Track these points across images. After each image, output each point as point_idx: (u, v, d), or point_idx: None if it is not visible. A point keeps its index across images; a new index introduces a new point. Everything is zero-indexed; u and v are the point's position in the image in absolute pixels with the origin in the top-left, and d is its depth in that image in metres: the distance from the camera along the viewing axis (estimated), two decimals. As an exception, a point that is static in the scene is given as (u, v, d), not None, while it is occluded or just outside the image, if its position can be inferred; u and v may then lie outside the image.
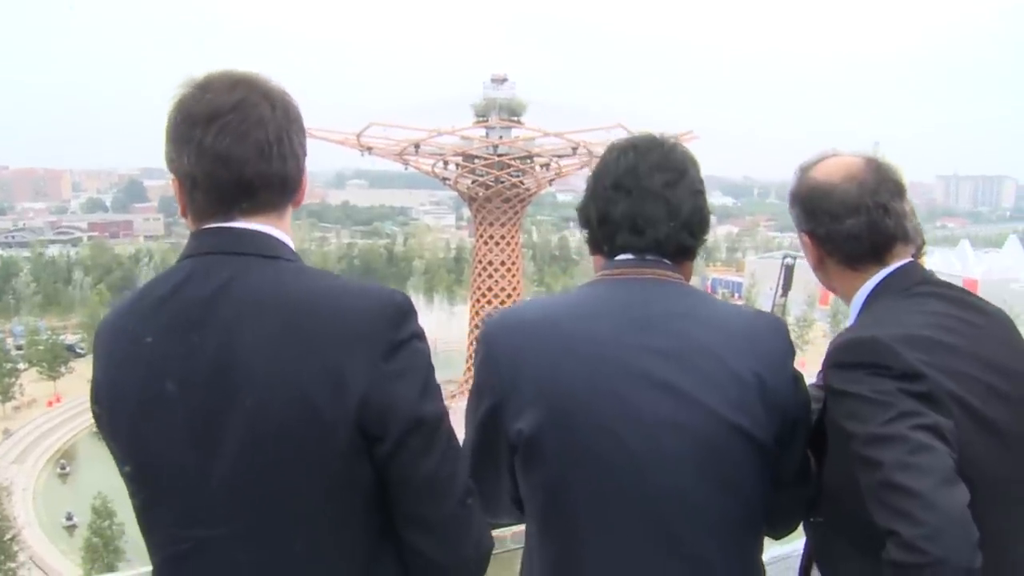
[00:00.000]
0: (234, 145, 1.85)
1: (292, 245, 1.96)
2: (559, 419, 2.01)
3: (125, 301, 1.97)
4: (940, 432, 1.87)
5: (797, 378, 2.13)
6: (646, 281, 2.13)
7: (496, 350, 2.12)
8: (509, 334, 2.13)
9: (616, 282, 2.15)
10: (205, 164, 1.87)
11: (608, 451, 1.99)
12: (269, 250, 1.89)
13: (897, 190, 2.29)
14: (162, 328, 1.83)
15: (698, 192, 2.22)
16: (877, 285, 2.26)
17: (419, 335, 1.88)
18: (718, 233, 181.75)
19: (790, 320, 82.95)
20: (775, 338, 2.12)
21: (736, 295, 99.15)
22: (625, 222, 2.15)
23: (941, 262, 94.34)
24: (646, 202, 2.14)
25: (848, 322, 2.32)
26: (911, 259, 2.29)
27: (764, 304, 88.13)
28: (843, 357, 2.06)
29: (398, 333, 1.82)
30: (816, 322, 76.74)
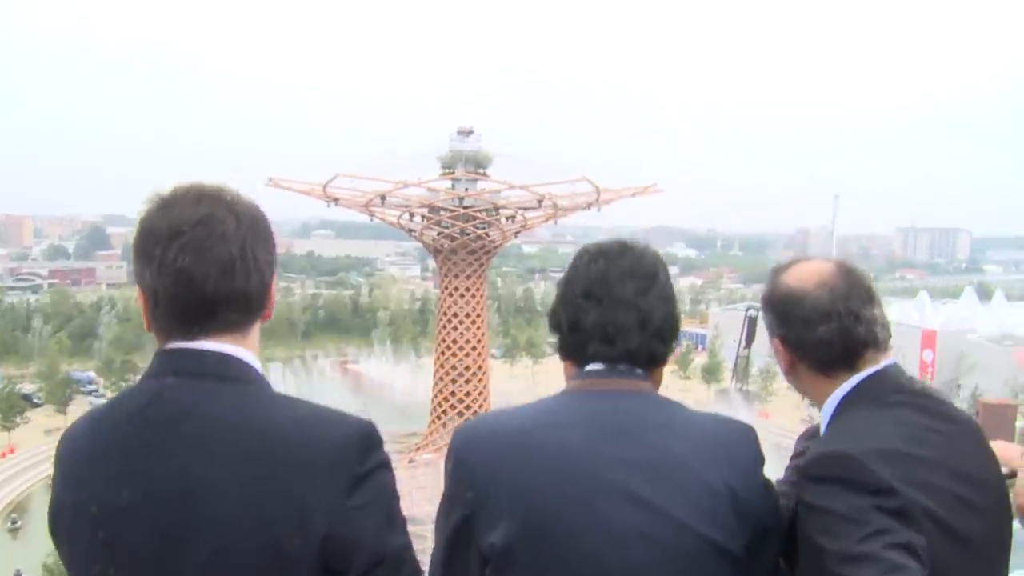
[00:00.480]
0: (195, 262, 1.83)
1: (257, 363, 1.94)
2: (532, 531, 1.99)
3: (89, 417, 1.95)
4: (913, 550, 1.88)
5: (767, 486, 2.15)
6: (619, 393, 2.14)
7: (467, 461, 2.10)
8: (480, 445, 2.12)
9: (588, 393, 2.16)
10: (166, 281, 1.85)
11: (580, 563, 1.98)
12: (233, 373, 1.87)
13: (868, 296, 2.31)
14: (125, 449, 1.81)
15: (669, 298, 2.24)
16: (849, 392, 2.28)
17: (384, 464, 1.87)
18: (681, 284, 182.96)
19: (753, 371, 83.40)
20: (746, 447, 2.14)
21: (700, 347, 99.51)
22: (596, 331, 2.16)
23: (900, 312, 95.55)
24: (617, 311, 2.15)
25: (822, 429, 2.34)
26: (883, 365, 2.31)
27: (728, 355, 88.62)
28: (815, 471, 2.07)
29: (362, 466, 1.81)
30: (779, 374, 76.87)
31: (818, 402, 2.37)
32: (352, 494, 1.77)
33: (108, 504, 1.78)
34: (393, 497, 1.88)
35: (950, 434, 2.19)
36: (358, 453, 1.81)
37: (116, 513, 1.77)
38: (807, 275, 2.34)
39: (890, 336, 2.36)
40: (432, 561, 2.17)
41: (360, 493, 1.78)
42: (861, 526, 1.91)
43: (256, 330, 1.97)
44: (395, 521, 1.87)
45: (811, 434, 2.90)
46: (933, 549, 1.93)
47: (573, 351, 2.22)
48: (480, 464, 2.08)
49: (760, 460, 2.16)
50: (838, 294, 2.28)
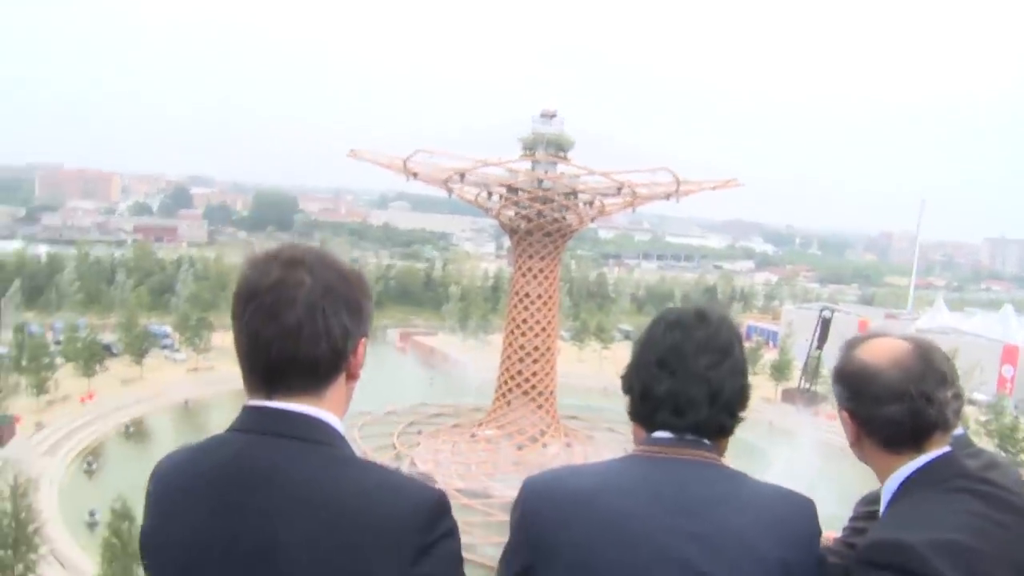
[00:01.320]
0: (263, 326, 1.93)
1: (337, 424, 2.02)
2: None
3: (180, 456, 2.06)
4: None
5: (821, 560, 2.20)
6: (684, 462, 2.20)
7: (534, 515, 2.20)
8: (548, 502, 2.19)
9: (655, 461, 2.23)
10: (243, 342, 1.97)
11: None
12: (308, 434, 1.95)
13: (942, 378, 2.30)
14: (209, 503, 1.92)
15: (741, 372, 2.28)
16: (913, 473, 2.29)
17: (449, 532, 1.94)
18: (756, 279, 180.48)
19: (824, 372, 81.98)
20: (803, 521, 2.19)
21: (771, 343, 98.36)
22: (667, 402, 2.22)
23: (982, 325, 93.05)
24: (689, 384, 2.21)
25: (882, 507, 2.36)
26: (949, 449, 2.31)
27: (799, 354, 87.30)
28: (874, 556, 2.10)
29: (428, 536, 1.87)
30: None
31: (881, 477, 2.38)
32: (417, 563, 1.85)
33: (191, 551, 1.91)
34: (457, 564, 1.96)
35: (1014, 527, 2.18)
36: (425, 523, 1.88)
37: (198, 561, 1.90)
38: (882, 352, 2.34)
39: (962, 416, 2.37)
40: None
41: (425, 562, 1.86)
42: None
43: (339, 390, 2.04)
44: None
45: (872, 499, 2.94)
46: None
47: (643, 417, 2.30)
48: (545, 522, 2.17)
49: (816, 534, 2.21)
50: (912, 375, 2.28)
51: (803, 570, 2.11)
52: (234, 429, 2.01)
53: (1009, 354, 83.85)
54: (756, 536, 2.10)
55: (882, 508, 2.34)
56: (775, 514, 2.16)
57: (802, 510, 2.21)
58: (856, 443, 2.40)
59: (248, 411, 2.00)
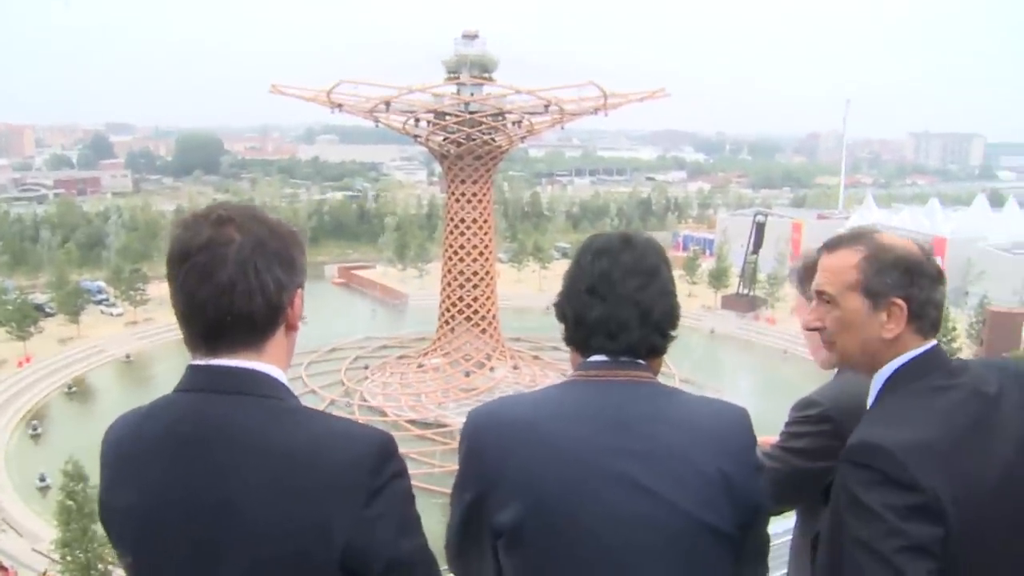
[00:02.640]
0: (198, 286, 1.96)
1: (280, 375, 2.06)
2: (538, 514, 2.16)
3: (130, 420, 2.09)
4: (924, 549, 2.04)
5: (759, 467, 2.30)
6: (620, 383, 2.28)
7: (480, 447, 2.27)
8: (493, 433, 2.27)
9: (592, 384, 2.30)
10: (180, 304, 2.00)
11: (584, 546, 2.14)
12: (253, 388, 1.99)
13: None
14: (162, 463, 1.96)
15: (669, 293, 2.35)
16: (903, 366, 2.33)
17: (398, 473, 1.99)
18: (689, 189, 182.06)
19: (761, 277, 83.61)
20: (738, 432, 2.27)
21: (708, 252, 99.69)
22: (599, 327, 2.29)
23: (910, 220, 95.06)
24: (620, 308, 2.28)
25: (870, 400, 2.39)
26: (935, 343, 2.37)
27: (736, 260, 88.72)
28: (854, 456, 2.17)
29: (378, 478, 1.93)
30: (787, 279, 77.18)
31: (871, 371, 2.40)
32: (369, 505, 1.90)
33: (148, 515, 1.95)
34: (408, 503, 2.02)
35: (995, 420, 2.24)
36: (374, 466, 1.93)
37: (156, 524, 1.94)
38: (907, 243, 2.41)
39: None
40: (448, 529, 2.38)
41: (376, 504, 1.91)
42: (880, 522, 2.06)
43: (279, 342, 2.08)
44: (409, 526, 2.01)
45: (805, 404, 3.03)
46: (956, 544, 2.06)
47: (578, 343, 2.37)
48: (491, 452, 2.24)
49: (752, 443, 2.29)
50: (936, 264, 2.38)
51: (742, 479, 2.20)
52: (180, 389, 2.04)
53: (937, 246, 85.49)
54: (694, 449, 2.19)
55: (870, 401, 2.38)
56: (711, 426, 2.25)
57: (737, 420, 2.29)
58: (888, 336, 2.34)
59: (192, 370, 2.03)
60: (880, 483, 2.09)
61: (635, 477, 2.13)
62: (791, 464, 2.94)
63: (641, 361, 2.31)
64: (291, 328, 2.10)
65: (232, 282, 1.95)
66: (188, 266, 1.95)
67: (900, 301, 2.33)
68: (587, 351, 2.34)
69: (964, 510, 2.08)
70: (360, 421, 2.10)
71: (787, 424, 3.05)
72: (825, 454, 2.71)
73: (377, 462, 1.94)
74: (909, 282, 2.33)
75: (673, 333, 2.36)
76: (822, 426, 2.90)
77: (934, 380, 2.28)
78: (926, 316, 2.34)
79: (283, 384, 2.05)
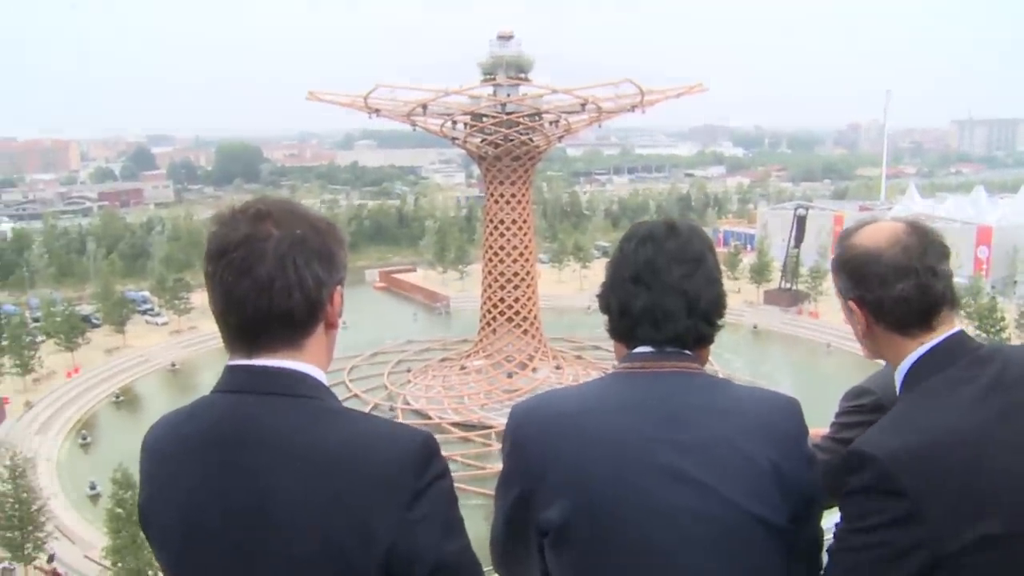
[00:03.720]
0: (236, 283, 1.92)
1: (320, 375, 2.02)
2: (586, 510, 2.10)
3: (167, 423, 2.07)
4: (899, 560, 2.03)
5: (811, 459, 2.24)
6: (666, 374, 2.22)
7: (524, 442, 2.22)
8: (536, 427, 2.22)
9: (637, 376, 2.24)
10: (218, 301, 1.96)
11: (633, 540, 2.09)
12: (292, 389, 1.95)
13: (943, 252, 2.30)
14: (202, 465, 1.94)
15: (715, 280, 2.30)
16: (922, 356, 2.26)
17: (441, 474, 1.95)
18: (729, 184, 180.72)
19: (803, 271, 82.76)
20: (789, 421, 2.22)
21: (748, 247, 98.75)
22: (645, 316, 2.23)
23: (955, 209, 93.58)
24: (665, 296, 2.22)
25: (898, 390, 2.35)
26: (958, 329, 2.29)
27: (778, 255, 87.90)
28: (847, 463, 2.15)
29: (421, 480, 1.89)
30: (829, 272, 76.08)
31: (895, 364, 2.35)
32: (412, 508, 1.86)
33: (188, 516, 1.93)
34: (451, 504, 1.98)
35: (1014, 414, 2.15)
36: (416, 468, 1.89)
37: (194, 525, 1.92)
38: (879, 235, 2.31)
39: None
40: (493, 528, 2.34)
41: (419, 506, 1.87)
42: (862, 532, 2.08)
43: (318, 341, 2.03)
44: (453, 528, 1.96)
45: (857, 393, 2.96)
46: (942, 547, 2.00)
47: (623, 334, 2.31)
48: (535, 448, 2.19)
49: (804, 433, 2.23)
50: (913, 251, 2.25)
51: (794, 470, 2.14)
52: (218, 390, 2.00)
53: (983, 235, 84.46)
54: (744, 440, 2.13)
55: (898, 391, 2.33)
56: (761, 417, 2.19)
57: (787, 410, 2.23)
58: (867, 334, 2.36)
59: (231, 371, 2.00)
60: (863, 490, 2.07)
61: (684, 469, 2.08)
62: (842, 455, 2.90)
63: (688, 352, 2.25)
64: (331, 326, 2.05)
65: (271, 278, 1.90)
66: (225, 262, 1.91)
67: (851, 303, 2.33)
68: (632, 342, 2.28)
69: (997, 509, 2.01)
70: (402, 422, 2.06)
71: (838, 414, 2.99)
72: None
73: (420, 463, 1.90)
74: (855, 284, 2.31)
75: (720, 322, 2.29)
76: (874, 415, 2.83)
77: (955, 372, 2.20)
78: (889, 313, 2.27)
79: (323, 384, 2.01)
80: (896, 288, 2.24)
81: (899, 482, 2.02)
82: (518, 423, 2.25)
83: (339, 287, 2.04)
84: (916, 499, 2.00)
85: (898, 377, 2.31)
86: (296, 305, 1.94)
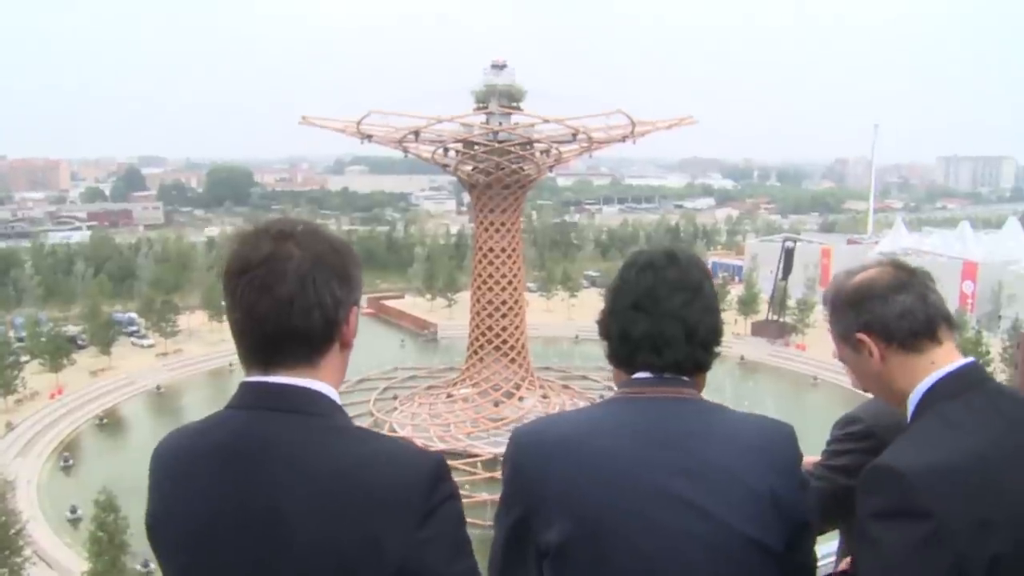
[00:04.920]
0: (257, 300, 1.95)
1: (334, 394, 2.04)
2: (584, 532, 2.13)
3: (180, 437, 2.08)
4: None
5: (805, 484, 2.30)
6: (666, 400, 2.26)
7: (524, 466, 2.25)
8: (536, 451, 2.25)
9: (637, 401, 2.28)
10: (238, 318, 1.99)
11: (631, 562, 2.12)
12: (305, 407, 1.98)
13: (930, 277, 2.38)
14: (213, 481, 1.95)
15: (713, 309, 2.35)
16: (937, 382, 2.27)
17: (451, 495, 1.98)
18: (718, 216, 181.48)
19: (791, 303, 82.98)
20: (785, 447, 2.25)
21: (736, 278, 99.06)
22: (645, 342, 2.27)
23: (941, 244, 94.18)
24: (665, 324, 2.27)
25: (908, 415, 2.34)
26: (973, 360, 2.32)
27: (766, 287, 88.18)
28: (865, 481, 2.14)
29: (430, 501, 1.91)
30: (817, 304, 76.61)
31: (908, 389, 2.32)
32: (422, 528, 1.89)
33: (200, 531, 1.94)
34: (460, 525, 2.00)
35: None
36: (427, 489, 1.91)
37: (205, 541, 1.93)
38: (870, 271, 2.40)
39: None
40: (492, 552, 2.35)
41: (429, 526, 1.90)
42: (887, 556, 2.04)
43: (334, 360, 2.06)
44: (461, 548, 1.99)
45: (847, 421, 3.00)
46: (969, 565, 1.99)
47: (623, 359, 2.34)
48: (535, 470, 2.22)
49: (798, 459, 2.28)
50: (903, 274, 2.35)
51: (789, 495, 2.18)
52: (232, 406, 2.03)
53: (969, 270, 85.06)
54: (742, 465, 2.16)
55: (908, 418, 2.33)
56: (759, 443, 2.22)
57: (783, 437, 2.27)
58: (880, 365, 2.35)
59: (245, 387, 2.03)
60: (889, 513, 2.05)
61: (683, 494, 2.11)
62: (836, 482, 2.90)
63: (686, 378, 2.29)
64: (345, 346, 2.08)
65: (291, 297, 1.93)
66: (247, 279, 1.94)
67: (861, 335, 2.34)
68: (632, 368, 2.31)
69: (1010, 534, 2.01)
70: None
71: (829, 442, 3.02)
72: None
73: (430, 483, 1.92)
74: (858, 313, 2.34)
75: (717, 350, 2.33)
76: (865, 443, 2.86)
77: (970, 398, 2.22)
78: (897, 330, 2.29)
79: (337, 403, 2.04)
80: (898, 301, 2.29)
81: (924, 501, 2.00)
82: (519, 446, 2.28)
83: (355, 307, 2.08)
84: (941, 519, 1.99)
85: (912, 401, 2.31)
86: (315, 324, 1.98)
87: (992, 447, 2.10)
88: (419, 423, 59.00)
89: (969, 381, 2.25)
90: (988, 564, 1.98)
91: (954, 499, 2.00)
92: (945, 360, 2.28)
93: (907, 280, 2.32)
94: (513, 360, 63.46)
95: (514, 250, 63.20)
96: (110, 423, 63.65)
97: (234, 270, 1.98)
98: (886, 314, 2.30)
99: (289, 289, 1.93)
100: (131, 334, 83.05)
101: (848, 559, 2.64)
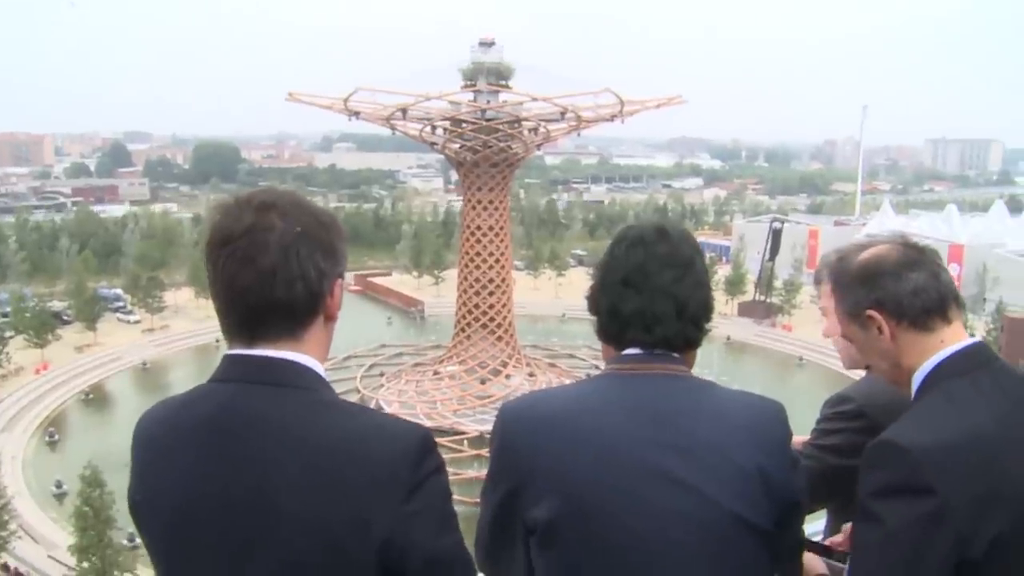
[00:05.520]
0: (239, 272, 1.92)
1: (318, 367, 2.02)
2: (573, 508, 2.11)
3: (162, 411, 2.06)
4: (937, 561, 1.99)
5: (795, 462, 2.26)
6: (655, 377, 2.23)
7: (512, 441, 2.22)
8: (525, 426, 2.22)
9: (626, 377, 2.25)
10: (220, 290, 1.96)
11: (619, 539, 2.10)
12: (290, 379, 1.96)
13: (940, 258, 2.36)
14: (197, 455, 1.92)
15: (703, 284, 2.31)
16: (944, 360, 2.25)
17: (437, 468, 1.95)
18: (706, 196, 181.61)
19: (778, 284, 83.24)
20: (775, 426, 2.23)
21: (724, 258, 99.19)
22: (635, 319, 2.24)
23: (928, 226, 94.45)
24: (656, 300, 2.23)
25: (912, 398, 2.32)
26: (980, 339, 2.31)
27: (753, 267, 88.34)
28: (870, 455, 2.14)
29: (417, 474, 1.89)
30: (803, 286, 76.89)
31: (915, 367, 2.31)
32: (408, 501, 1.87)
33: (184, 505, 1.92)
34: (446, 499, 1.98)
35: None
36: (413, 462, 1.89)
37: (188, 515, 1.91)
38: (879, 247, 2.36)
39: None
40: (478, 528, 2.33)
41: (416, 499, 1.88)
42: (887, 532, 2.04)
43: (318, 333, 2.04)
44: (447, 522, 1.97)
45: (837, 401, 3.00)
46: (967, 548, 1.99)
47: (612, 336, 2.31)
48: (524, 447, 2.19)
49: (788, 437, 2.25)
50: (912, 251, 2.32)
51: (779, 473, 2.16)
52: (216, 379, 2.00)
53: (955, 253, 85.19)
54: (732, 443, 2.14)
55: (912, 395, 2.32)
56: (748, 421, 2.20)
57: (773, 415, 2.24)
58: (891, 342, 2.32)
59: (229, 360, 2.00)
60: (892, 490, 2.05)
61: (672, 471, 2.09)
62: (825, 461, 2.89)
63: (676, 355, 2.26)
64: (330, 319, 2.05)
65: (274, 268, 1.90)
66: (228, 251, 1.91)
67: (872, 312, 2.31)
68: (621, 344, 2.28)
69: (1013, 513, 2.01)
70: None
71: (819, 421, 3.00)
72: (859, 450, 2.68)
73: (417, 457, 1.90)
74: (870, 289, 2.31)
75: (708, 326, 2.30)
76: (856, 422, 2.86)
77: (980, 378, 2.20)
78: (910, 307, 2.27)
79: (321, 376, 2.02)
80: (911, 279, 2.26)
81: (929, 478, 2.00)
82: (507, 422, 2.25)
83: (340, 280, 2.05)
84: (945, 496, 1.98)
85: (917, 379, 2.29)
86: (298, 296, 1.95)
87: (998, 426, 2.09)
88: (406, 400, 59.06)
89: (977, 360, 2.24)
90: (990, 542, 1.98)
91: (958, 477, 2.00)
92: (953, 339, 2.26)
93: (918, 258, 2.29)
94: (500, 338, 63.55)
95: (502, 228, 63.14)
96: (96, 398, 63.68)
97: (216, 241, 1.94)
98: (899, 291, 2.27)
99: (272, 260, 1.90)
100: (117, 310, 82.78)
101: (834, 537, 2.65)
